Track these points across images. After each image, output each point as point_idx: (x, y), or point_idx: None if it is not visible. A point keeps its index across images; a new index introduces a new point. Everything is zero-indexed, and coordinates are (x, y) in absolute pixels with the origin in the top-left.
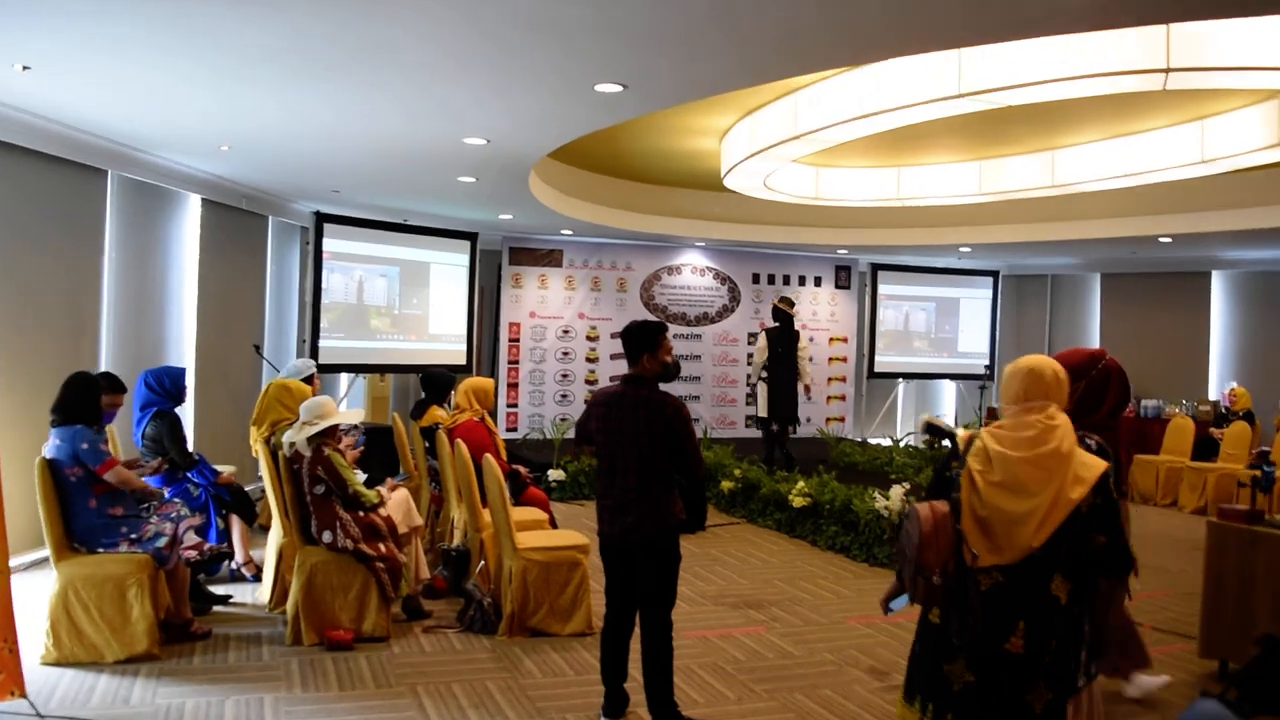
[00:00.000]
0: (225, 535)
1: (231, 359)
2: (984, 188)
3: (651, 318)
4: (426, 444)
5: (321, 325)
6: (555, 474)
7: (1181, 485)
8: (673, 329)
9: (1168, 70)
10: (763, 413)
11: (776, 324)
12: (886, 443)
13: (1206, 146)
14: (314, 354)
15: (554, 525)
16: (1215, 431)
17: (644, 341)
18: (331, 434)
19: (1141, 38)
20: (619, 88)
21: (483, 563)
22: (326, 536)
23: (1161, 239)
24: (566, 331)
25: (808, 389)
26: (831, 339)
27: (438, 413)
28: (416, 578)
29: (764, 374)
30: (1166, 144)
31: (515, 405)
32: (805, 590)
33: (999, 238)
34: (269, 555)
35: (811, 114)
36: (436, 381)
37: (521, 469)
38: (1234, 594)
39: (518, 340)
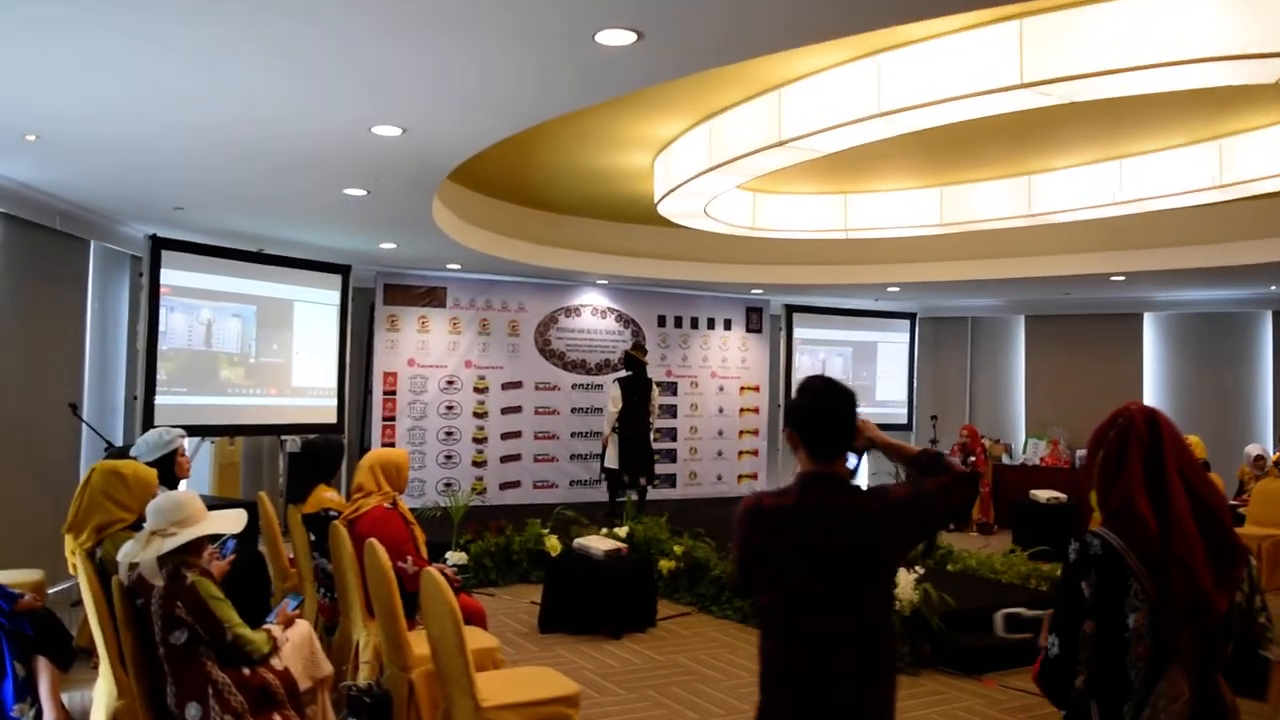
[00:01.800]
0: (27, 688)
1: (38, 424)
2: (945, 217)
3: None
4: (312, 536)
5: (159, 377)
6: (455, 556)
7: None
8: (573, 379)
9: None
10: (612, 464)
11: (628, 373)
12: None
13: (1225, 168)
14: (148, 414)
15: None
16: None
17: (848, 418)
18: (195, 549)
19: (1260, 8)
20: (631, 36)
21: None
22: (193, 711)
23: (1114, 278)
24: (451, 382)
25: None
26: (743, 388)
27: (326, 495)
28: None
29: (616, 425)
30: (1173, 166)
31: None
32: None
33: (937, 275)
34: (96, 712)
35: (802, 113)
36: (322, 454)
37: (447, 570)
38: None
39: (394, 393)
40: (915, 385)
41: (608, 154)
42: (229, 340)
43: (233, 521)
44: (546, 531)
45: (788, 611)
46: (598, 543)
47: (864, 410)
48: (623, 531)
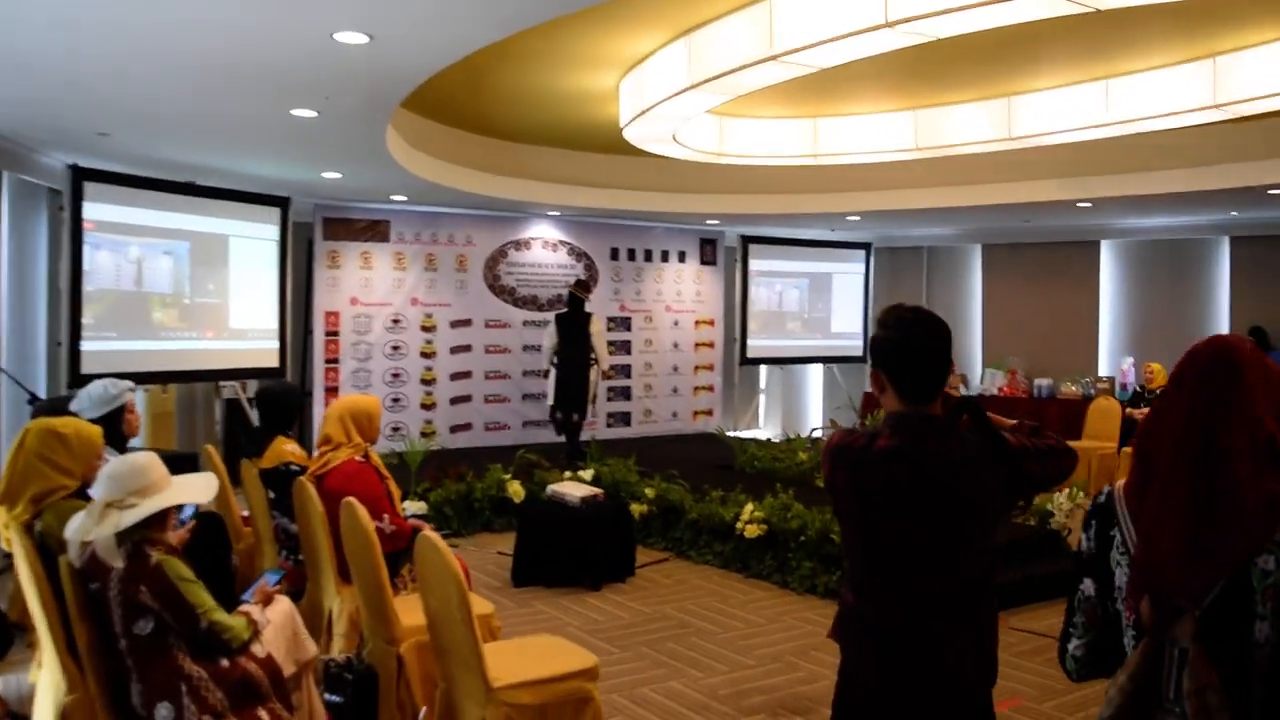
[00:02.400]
0: None
1: None
2: (920, 142)
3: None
4: (271, 494)
5: (84, 321)
6: (414, 506)
7: (1118, 475)
8: (524, 315)
9: None
10: (551, 401)
11: (566, 309)
12: (770, 437)
13: (1219, 88)
14: (74, 361)
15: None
16: (1134, 412)
17: (942, 353)
18: (160, 523)
19: None
20: None
21: (425, 711)
22: (164, 712)
23: (1080, 204)
24: (397, 321)
25: (605, 374)
26: (697, 322)
27: (287, 448)
28: None
29: (554, 360)
30: (1164, 85)
31: None
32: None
33: (899, 204)
34: (41, 707)
35: (797, 24)
36: (280, 401)
37: (424, 526)
38: None
39: (336, 334)
40: (871, 317)
41: (570, 75)
42: (161, 280)
43: (201, 489)
44: (509, 477)
45: (874, 559)
46: (572, 489)
47: (818, 343)
48: (588, 474)
